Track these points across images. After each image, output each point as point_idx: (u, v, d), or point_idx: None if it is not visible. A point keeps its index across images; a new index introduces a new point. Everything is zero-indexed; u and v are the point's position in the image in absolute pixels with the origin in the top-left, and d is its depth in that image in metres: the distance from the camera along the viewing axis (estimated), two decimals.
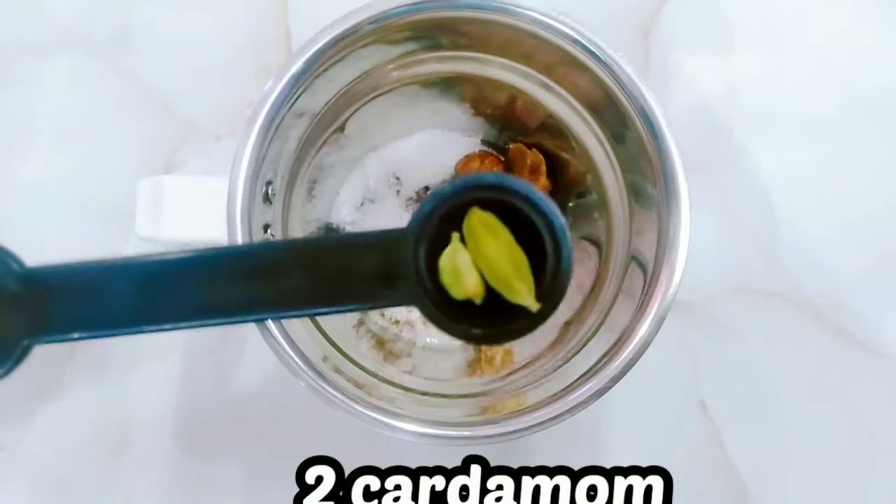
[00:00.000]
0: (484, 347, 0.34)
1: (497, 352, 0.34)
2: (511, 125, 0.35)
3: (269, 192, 0.26)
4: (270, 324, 0.23)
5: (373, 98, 0.32)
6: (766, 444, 0.37)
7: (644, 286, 0.25)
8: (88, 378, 0.36)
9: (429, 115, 0.35)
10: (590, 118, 0.29)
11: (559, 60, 0.27)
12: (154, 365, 0.36)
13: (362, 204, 0.35)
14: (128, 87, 0.38)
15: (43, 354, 0.36)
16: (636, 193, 0.27)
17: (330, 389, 0.24)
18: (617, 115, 0.26)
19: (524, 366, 0.30)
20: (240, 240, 0.23)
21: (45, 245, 0.37)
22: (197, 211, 0.25)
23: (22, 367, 0.36)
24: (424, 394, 0.28)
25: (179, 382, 0.37)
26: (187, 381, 0.37)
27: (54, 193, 0.37)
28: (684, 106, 0.38)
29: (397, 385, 0.28)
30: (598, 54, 0.24)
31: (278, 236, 0.28)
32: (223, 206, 0.24)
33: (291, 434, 0.36)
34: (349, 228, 0.35)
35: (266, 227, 0.26)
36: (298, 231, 0.32)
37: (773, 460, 0.37)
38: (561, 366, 0.27)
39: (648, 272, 0.25)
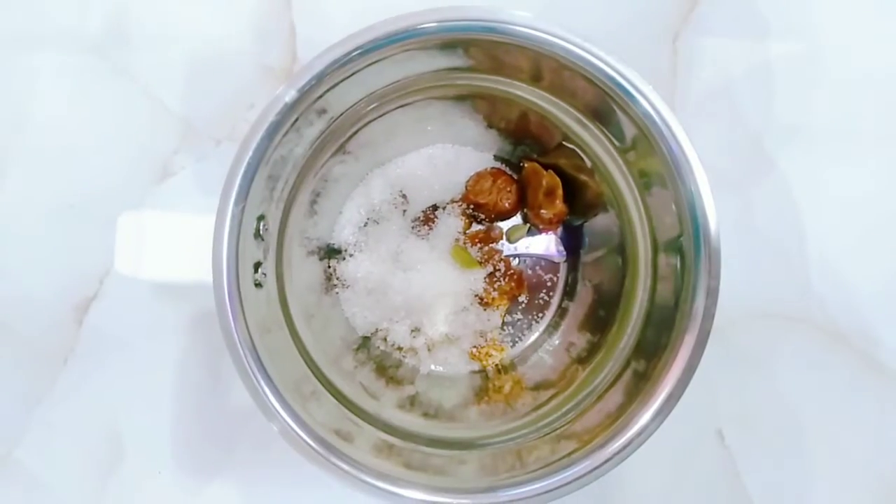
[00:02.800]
0: (492, 377, 0.33)
1: (506, 381, 0.33)
2: (526, 141, 0.33)
3: (261, 228, 0.24)
4: (250, 363, 0.22)
5: (384, 112, 0.30)
6: (785, 477, 0.35)
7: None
8: (80, 389, 0.35)
9: (440, 127, 0.33)
10: (620, 161, 0.27)
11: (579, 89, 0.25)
12: (147, 377, 0.35)
13: (365, 224, 0.34)
14: (123, 86, 0.36)
15: (34, 364, 0.36)
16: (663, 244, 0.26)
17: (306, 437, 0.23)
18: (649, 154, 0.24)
19: (532, 410, 0.29)
20: (225, 287, 0.22)
21: (34, 246, 0.36)
22: (180, 250, 0.23)
23: (13, 377, 0.36)
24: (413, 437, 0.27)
25: (173, 394, 0.35)
26: (181, 393, 0.35)
27: (44, 196, 0.36)
28: (713, 113, 0.36)
29: (385, 427, 0.27)
30: (630, 90, 0.22)
31: (270, 273, 0.26)
32: (208, 245, 0.22)
33: (286, 448, 0.35)
34: (351, 250, 0.33)
35: (257, 266, 0.24)
36: (297, 247, 0.31)
37: (792, 494, 0.35)
38: (573, 419, 0.26)
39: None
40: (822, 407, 0.36)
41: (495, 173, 0.33)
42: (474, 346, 0.33)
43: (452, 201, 0.34)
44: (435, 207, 0.34)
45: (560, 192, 0.32)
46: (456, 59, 0.26)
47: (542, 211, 0.32)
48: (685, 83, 0.36)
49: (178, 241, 0.23)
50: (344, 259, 0.33)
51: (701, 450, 0.36)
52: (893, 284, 0.36)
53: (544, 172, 0.32)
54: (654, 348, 0.24)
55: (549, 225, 0.33)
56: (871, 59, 0.37)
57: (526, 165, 0.33)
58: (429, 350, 0.33)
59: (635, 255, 0.28)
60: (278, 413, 0.23)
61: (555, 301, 0.34)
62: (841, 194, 0.36)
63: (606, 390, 0.26)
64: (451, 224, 0.33)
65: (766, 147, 0.36)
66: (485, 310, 0.33)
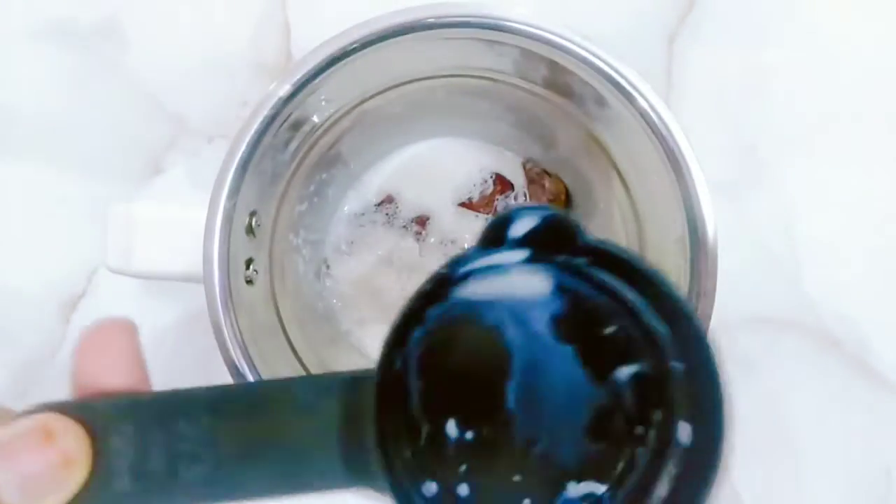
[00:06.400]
0: None
1: None
2: (531, 142, 0.32)
3: (254, 223, 0.24)
4: (241, 362, 0.22)
5: (377, 111, 0.29)
6: (778, 482, 0.35)
7: None
8: (68, 388, 0.35)
9: (435, 128, 0.33)
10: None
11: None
12: None
13: (360, 224, 0.33)
14: (116, 82, 0.36)
15: (21, 362, 0.35)
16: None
17: None
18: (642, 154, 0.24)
19: None
20: (216, 279, 0.21)
21: (21, 241, 0.36)
22: (171, 244, 0.23)
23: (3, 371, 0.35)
24: None
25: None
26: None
27: (33, 191, 0.35)
28: (707, 118, 0.36)
29: None
30: (628, 90, 0.22)
31: (262, 271, 0.26)
32: (199, 239, 0.22)
33: None
34: (344, 248, 0.33)
35: (248, 263, 0.24)
36: (290, 245, 0.30)
37: (785, 500, 0.35)
38: None
39: None
40: (814, 411, 0.35)
41: (497, 182, 0.33)
42: None
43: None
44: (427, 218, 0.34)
45: (563, 196, 0.31)
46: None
47: None
48: (680, 87, 0.36)
49: (169, 238, 0.23)
50: (337, 258, 0.33)
51: None
52: (887, 290, 0.36)
53: (548, 177, 0.32)
54: None
55: None
56: (867, 66, 0.37)
57: (529, 168, 0.33)
58: None
59: None
60: None
61: None
62: (835, 200, 0.36)
63: None
64: (445, 225, 0.33)
65: (761, 152, 0.36)
66: None
